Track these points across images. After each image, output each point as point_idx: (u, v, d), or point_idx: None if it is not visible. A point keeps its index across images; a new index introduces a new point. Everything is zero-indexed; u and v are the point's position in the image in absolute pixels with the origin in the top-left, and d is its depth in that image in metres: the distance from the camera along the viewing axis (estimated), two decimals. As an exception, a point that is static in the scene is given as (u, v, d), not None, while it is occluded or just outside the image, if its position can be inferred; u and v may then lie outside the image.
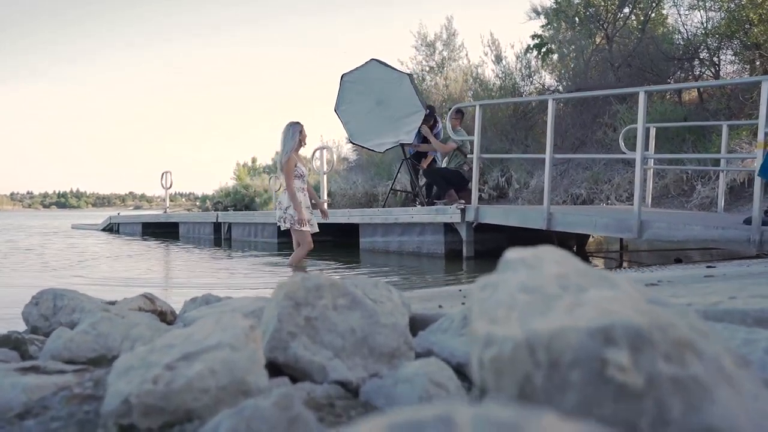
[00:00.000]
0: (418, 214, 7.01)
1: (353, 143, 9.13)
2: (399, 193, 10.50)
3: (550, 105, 5.57)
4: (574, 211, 6.09)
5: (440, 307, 1.87)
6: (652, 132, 7.89)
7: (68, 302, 2.14)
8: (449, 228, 6.77)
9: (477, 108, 6.29)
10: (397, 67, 8.64)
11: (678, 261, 5.96)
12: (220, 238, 10.78)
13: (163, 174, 12.46)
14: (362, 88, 8.24)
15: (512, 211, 6.32)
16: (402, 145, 8.32)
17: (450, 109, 7.19)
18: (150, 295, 2.34)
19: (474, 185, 6.37)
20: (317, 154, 9.14)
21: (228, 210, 16.72)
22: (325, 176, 8.92)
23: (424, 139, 8.40)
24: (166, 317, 2.39)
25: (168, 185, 12.49)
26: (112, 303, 2.20)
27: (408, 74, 8.39)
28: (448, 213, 6.58)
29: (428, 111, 8.33)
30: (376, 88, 8.11)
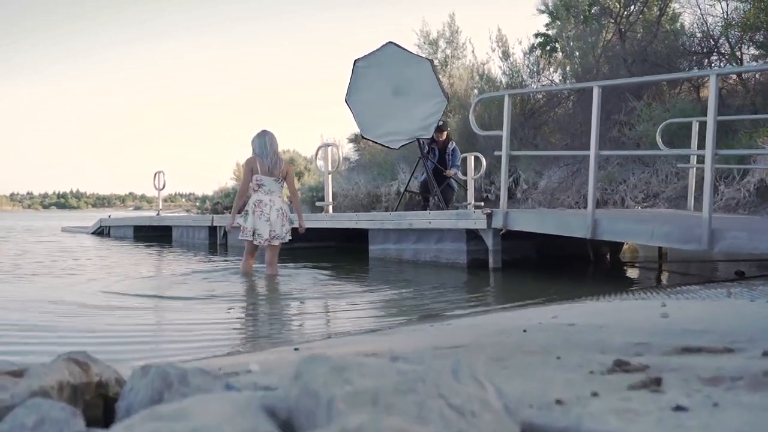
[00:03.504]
0: (437, 219, 6.20)
1: (365, 138, 8.30)
2: (408, 195, 9.69)
3: (595, 93, 4.77)
4: (624, 217, 5.28)
5: (558, 402, 1.08)
6: (695, 128, 7.13)
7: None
8: (472, 235, 5.97)
9: (506, 98, 5.48)
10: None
11: (740, 274, 5.14)
12: (216, 243, 9.97)
13: (155, 174, 11.63)
14: (377, 75, 7.41)
15: (548, 216, 5.51)
16: (419, 141, 7.50)
17: (474, 103, 6.38)
18: (83, 357, 1.51)
19: (503, 186, 5.55)
20: (320, 152, 8.33)
21: (226, 212, 15.92)
22: (329, 176, 8.12)
23: (441, 158, 7.90)
24: (107, 391, 1.58)
25: (161, 186, 11.66)
26: (19, 374, 1.38)
27: (429, 59, 7.55)
28: (472, 218, 5.77)
29: (440, 123, 7.68)
30: (392, 74, 7.24)
